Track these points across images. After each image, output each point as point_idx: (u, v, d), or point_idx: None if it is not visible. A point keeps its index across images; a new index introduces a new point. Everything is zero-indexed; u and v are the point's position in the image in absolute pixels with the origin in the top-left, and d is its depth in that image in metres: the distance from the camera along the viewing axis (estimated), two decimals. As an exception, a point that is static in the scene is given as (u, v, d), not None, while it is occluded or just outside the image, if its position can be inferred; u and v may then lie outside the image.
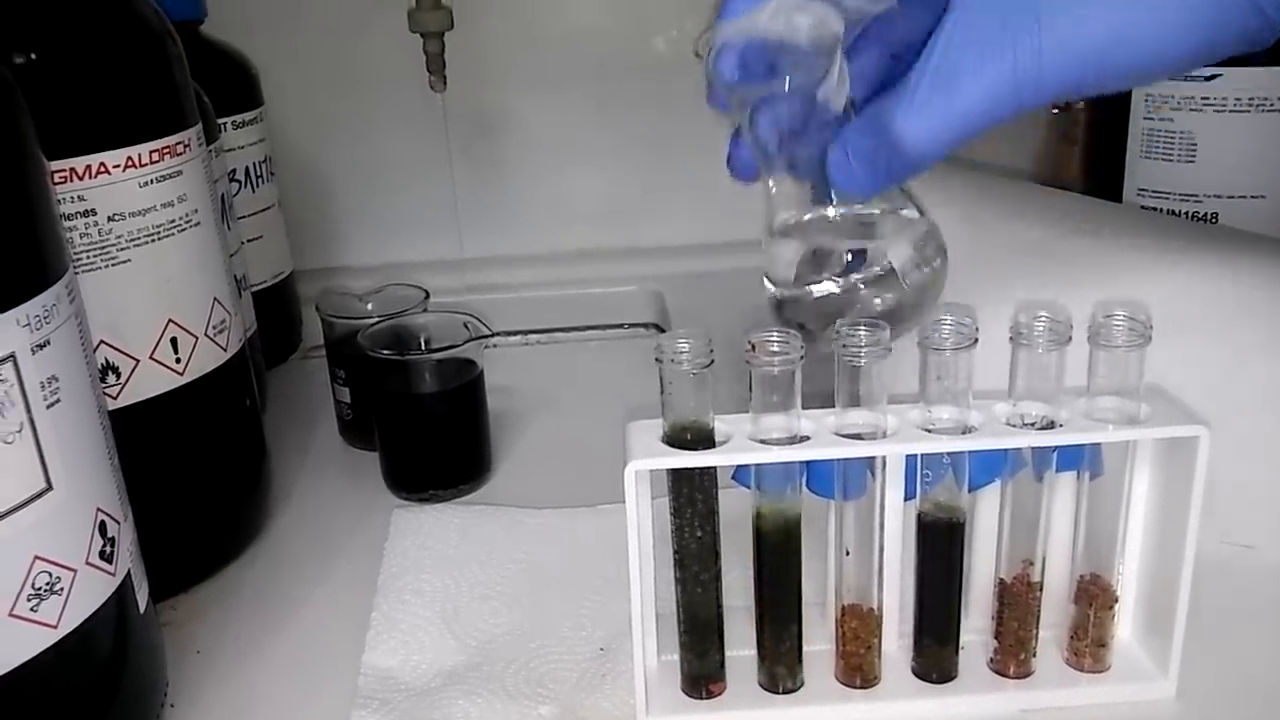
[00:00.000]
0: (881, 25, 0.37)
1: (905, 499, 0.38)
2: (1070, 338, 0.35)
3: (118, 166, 0.40)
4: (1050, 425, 0.36)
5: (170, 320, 0.43)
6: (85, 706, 0.34)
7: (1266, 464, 0.45)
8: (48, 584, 0.31)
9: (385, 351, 0.52)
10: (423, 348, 0.55)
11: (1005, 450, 0.37)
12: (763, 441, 0.35)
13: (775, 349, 0.34)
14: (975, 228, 0.49)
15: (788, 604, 0.37)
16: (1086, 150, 0.68)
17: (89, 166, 0.40)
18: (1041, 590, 0.38)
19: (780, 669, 0.38)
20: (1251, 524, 0.45)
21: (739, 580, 0.38)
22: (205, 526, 0.48)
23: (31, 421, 0.30)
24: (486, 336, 0.54)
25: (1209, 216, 0.58)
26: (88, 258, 0.40)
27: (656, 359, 0.35)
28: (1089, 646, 0.38)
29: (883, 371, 0.35)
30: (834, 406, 0.36)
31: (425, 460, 0.53)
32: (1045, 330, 0.35)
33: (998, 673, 0.39)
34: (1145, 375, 0.36)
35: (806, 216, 0.38)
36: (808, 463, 0.37)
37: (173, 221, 0.43)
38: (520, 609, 0.44)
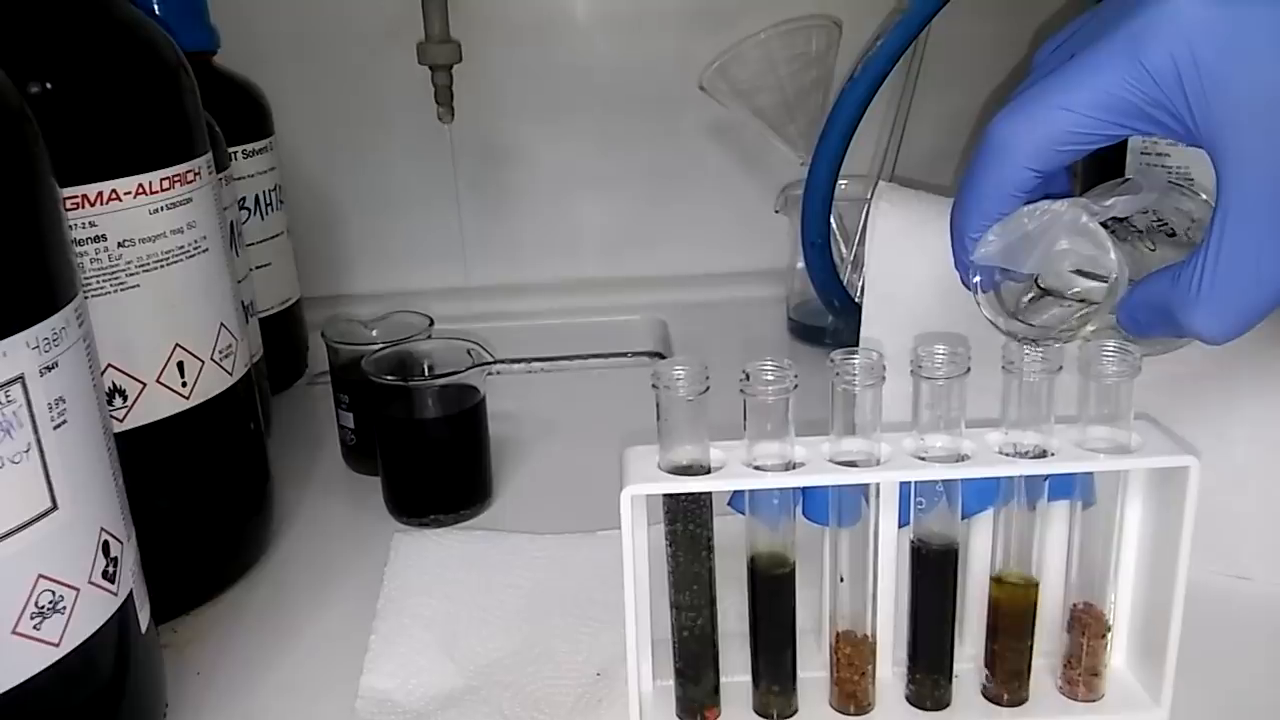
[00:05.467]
0: None
1: (899, 526, 0.38)
2: (1061, 367, 0.35)
3: (129, 193, 0.41)
4: (1042, 454, 0.36)
5: (177, 345, 0.44)
6: (85, 725, 0.34)
7: (1263, 496, 0.45)
8: (51, 603, 0.32)
9: (388, 377, 0.53)
10: (426, 374, 0.55)
11: (998, 478, 0.37)
12: (758, 468, 0.36)
13: (769, 378, 0.35)
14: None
15: (782, 630, 0.38)
16: (1085, 183, 0.68)
17: (100, 193, 0.40)
18: (1035, 619, 0.38)
19: (774, 695, 0.38)
20: (1248, 555, 0.46)
21: (734, 606, 0.39)
22: (208, 549, 0.48)
23: (38, 442, 0.31)
24: (489, 363, 0.55)
25: (1206, 250, 0.59)
26: (97, 282, 0.41)
27: (653, 385, 0.35)
28: (1082, 675, 0.39)
29: (877, 399, 0.36)
30: (828, 434, 0.37)
31: (427, 485, 0.54)
32: (1036, 359, 0.35)
33: (991, 701, 0.39)
34: (1139, 407, 0.36)
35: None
36: (803, 490, 0.37)
37: (181, 248, 0.43)
38: (518, 633, 0.45)
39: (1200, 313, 0.32)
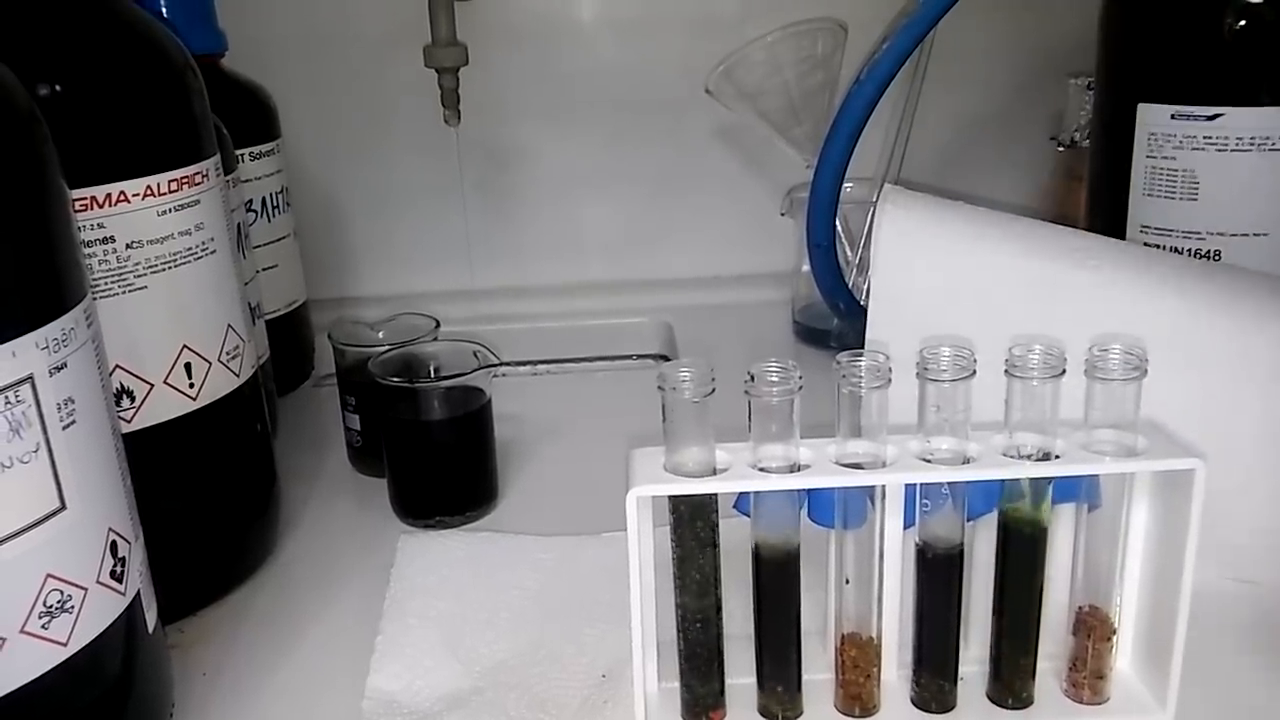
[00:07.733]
0: None
1: (905, 528, 0.38)
2: (1064, 370, 0.35)
3: (137, 195, 0.41)
4: (1048, 456, 0.36)
5: (185, 346, 0.44)
6: (92, 725, 0.35)
7: (1269, 500, 0.45)
8: (59, 602, 0.32)
9: (394, 379, 0.53)
10: (432, 376, 0.55)
11: (1003, 481, 0.37)
12: (763, 470, 0.36)
13: (774, 379, 0.35)
14: (980, 261, 0.49)
15: (787, 632, 0.38)
16: (1093, 171, 0.68)
17: (109, 195, 0.41)
18: (1040, 621, 0.38)
19: (780, 697, 0.38)
20: (1255, 560, 0.45)
21: (739, 608, 0.39)
22: (215, 550, 0.48)
23: (47, 442, 0.31)
24: (495, 365, 0.55)
25: (1211, 254, 0.59)
26: (106, 284, 0.41)
27: (659, 387, 0.35)
28: (1087, 678, 0.39)
29: (883, 402, 0.36)
30: (834, 436, 0.37)
31: (433, 487, 0.54)
32: (1039, 362, 0.35)
33: (996, 703, 0.39)
34: (1146, 409, 0.36)
35: None
36: (808, 491, 0.37)
37: (189, 249, 0.44)
38: (524, 635, 0.45)
39: None
